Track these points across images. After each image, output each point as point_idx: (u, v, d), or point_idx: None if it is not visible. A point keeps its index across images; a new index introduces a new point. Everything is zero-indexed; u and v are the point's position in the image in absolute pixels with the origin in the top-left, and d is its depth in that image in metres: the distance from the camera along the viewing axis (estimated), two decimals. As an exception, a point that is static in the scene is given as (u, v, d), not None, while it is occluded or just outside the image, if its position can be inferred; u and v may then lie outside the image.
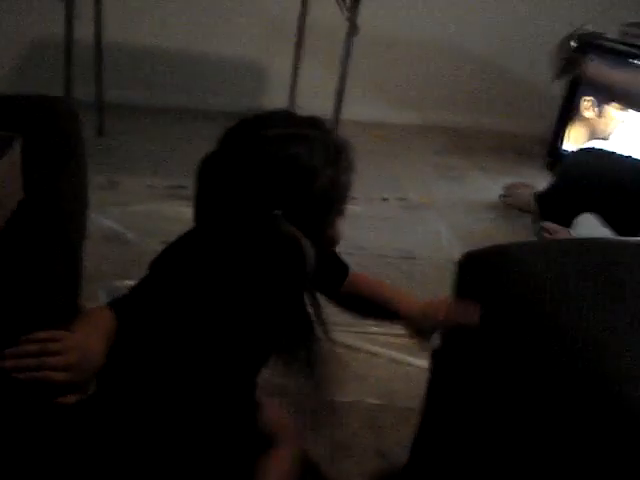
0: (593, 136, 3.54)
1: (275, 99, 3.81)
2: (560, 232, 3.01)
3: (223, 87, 3.98)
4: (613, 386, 1.07)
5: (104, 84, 3.49)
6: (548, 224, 3.04)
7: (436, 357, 1.55)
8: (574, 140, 3.68)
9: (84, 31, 3.25)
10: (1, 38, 3.64)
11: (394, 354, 2.17)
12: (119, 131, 3.52)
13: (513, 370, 1.27)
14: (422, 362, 1.91)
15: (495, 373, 1.33)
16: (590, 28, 3.54)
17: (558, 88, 3.77)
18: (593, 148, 3.11)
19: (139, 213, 2.79)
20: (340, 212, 1.33)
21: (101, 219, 2.68)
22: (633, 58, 3.57)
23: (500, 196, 3.36)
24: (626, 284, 1.29)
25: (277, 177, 1.22)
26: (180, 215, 2.79)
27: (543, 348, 1.20)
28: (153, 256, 1.30)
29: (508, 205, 3.29)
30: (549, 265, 1.34)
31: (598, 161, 2.93)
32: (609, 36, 3.67)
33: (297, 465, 1.45)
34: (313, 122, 1.30)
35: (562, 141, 3.74)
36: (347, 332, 2.17)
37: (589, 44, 3.66)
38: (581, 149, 3.16)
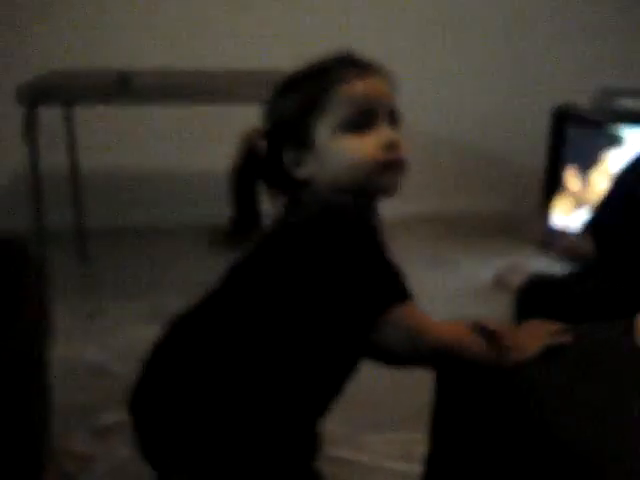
0: (580, 206, 3.49)
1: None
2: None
3: (204, 202, 3.96)
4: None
5: (84, 210, 3.48)
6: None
7: (429, 464, 1.48)
8: (561, 212, 3.63)
9: (57, 159, 3.25)
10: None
11: (392, 464, 2.04)
12: (102, 256, 3.48)
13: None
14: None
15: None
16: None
17: (539, 162, 3.73)
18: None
19: (125, 341, 2.66)
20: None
21: (84, 350, 2.59)
22: (612, 123, 3.52)
23: (494, 278, 3.28)
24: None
25: None
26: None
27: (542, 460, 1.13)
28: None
29: (503, 288, 3.20)
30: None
31: None
32: (584, 107, 3.66)
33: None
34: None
35: (549, 216, 3.67)
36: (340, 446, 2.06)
37: (567, 117, 3.64)
38: None
